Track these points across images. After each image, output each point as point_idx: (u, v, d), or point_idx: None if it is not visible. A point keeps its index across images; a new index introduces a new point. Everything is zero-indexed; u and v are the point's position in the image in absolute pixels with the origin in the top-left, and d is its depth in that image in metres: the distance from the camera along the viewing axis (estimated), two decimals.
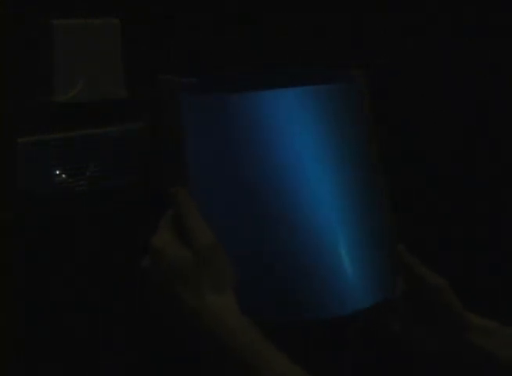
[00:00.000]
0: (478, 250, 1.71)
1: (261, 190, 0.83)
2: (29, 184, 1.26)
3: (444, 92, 1.67)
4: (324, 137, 0.85)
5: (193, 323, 0.80)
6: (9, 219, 1.25)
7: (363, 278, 0.86)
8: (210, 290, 0.80)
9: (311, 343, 1.32)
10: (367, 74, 0.91)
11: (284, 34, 1.48)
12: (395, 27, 1.61)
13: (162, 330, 0.88)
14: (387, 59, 1.56)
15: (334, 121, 0.86)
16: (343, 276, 0.85)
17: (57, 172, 1.28)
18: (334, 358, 1.48)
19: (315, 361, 1.11)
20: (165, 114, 0.84)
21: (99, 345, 1.36)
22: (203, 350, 0.80)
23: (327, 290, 0.84)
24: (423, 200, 1.69)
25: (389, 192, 0.92)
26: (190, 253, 0.80)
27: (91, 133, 1.31)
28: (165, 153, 0.84)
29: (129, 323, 1.38)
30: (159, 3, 1.37)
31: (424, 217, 1.68)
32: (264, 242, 0.84)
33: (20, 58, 1.25)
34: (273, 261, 0.84)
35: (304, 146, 0.84)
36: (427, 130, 1.67)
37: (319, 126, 0.85)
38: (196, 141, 0.85)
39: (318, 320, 0.84)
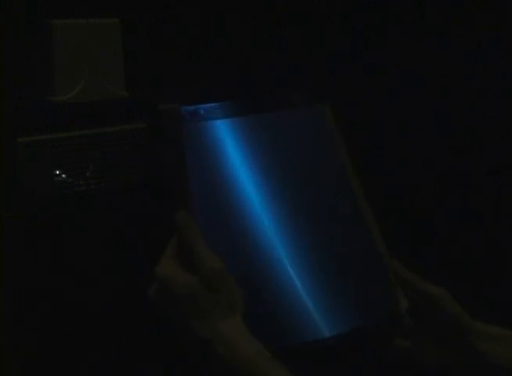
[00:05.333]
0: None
1: (246, 214, 0.84)
2: (29, 184, 1.26)
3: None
4: (297, 159, 0.87)
5: (207, 350, 0.79)
6: (9, 219, 1.25)
7: (357, 297, 0.87)
8: (222, 316, 0.79)
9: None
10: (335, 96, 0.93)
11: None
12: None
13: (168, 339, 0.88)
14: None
15: (305, 144, 0.88)
16: (335, 297, 0.85)
17: (57, 172, 1.28)
18: None
19: None
20: (167, 142, 0.85)
21: (100, 345, 1.36)
22: (217, 374, 0.80)
23: (321, 312, 0.85)
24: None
25: (372, 210, 0.93)
26: (199, 280, 0.80)
27: (91, 133, 1.31)
28: (168, 178, 0.85)
29: (130, 324, 1.38)
30: (159, 3, 1.37)
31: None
32: (254, 266, 0.84)
33: (20, 58, 1.25)
34: (262, 286, 0.84)
35: (280, 170, 0.86)
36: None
37: (292, 148, 0.87)
38: (197, 166, 0.85)
39: (324, 341, 0.85)
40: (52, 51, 1.25)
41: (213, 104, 0.91)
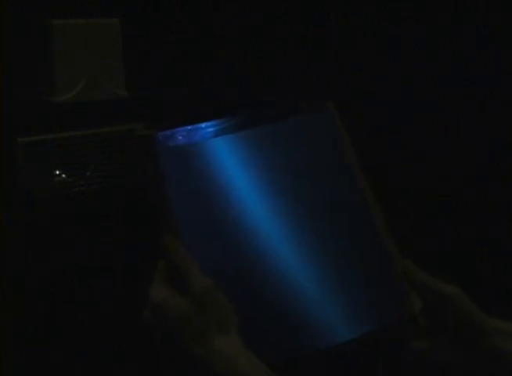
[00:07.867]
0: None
1: (248, 228, 0.84)
2: (29, 184, 1.26)
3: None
4: (305, 168, 0.87)
5: (205, 369, 0.79)
6: (9, 219, 1.25)
7: (368, 300, 0.86)
8: (217, 333, 0.80)
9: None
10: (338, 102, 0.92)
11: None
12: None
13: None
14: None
15: (312, 152, 0.88)
16: (346, 300, 0.85)
17: (57, 172, 1.29)
18: None
19: None
20: (146, 167, 0.85)
21: (99, 345, 1.36)
22: None
23: (333, 316, 0.84)
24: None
25: (382, 214, 0.92)
26: (190, 301, 0.80)
27: (91, 133, 1.31)
28: (152, 203, 0.84)
29: (129, 324, 1.38)
30: (159, 3, 1.37)
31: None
32: (258, 277, 0.84)
33: (20, 58, 1.25)
34: (267, 296, 0.84)
35: (285, 180, 0.85)
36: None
37: (298, 158, 0.86)
38: (178, 188, 0.85)
39: (331, 346, 0.84)
40: (52, 51, 1.25)
41: (190, 127, 0.90)
